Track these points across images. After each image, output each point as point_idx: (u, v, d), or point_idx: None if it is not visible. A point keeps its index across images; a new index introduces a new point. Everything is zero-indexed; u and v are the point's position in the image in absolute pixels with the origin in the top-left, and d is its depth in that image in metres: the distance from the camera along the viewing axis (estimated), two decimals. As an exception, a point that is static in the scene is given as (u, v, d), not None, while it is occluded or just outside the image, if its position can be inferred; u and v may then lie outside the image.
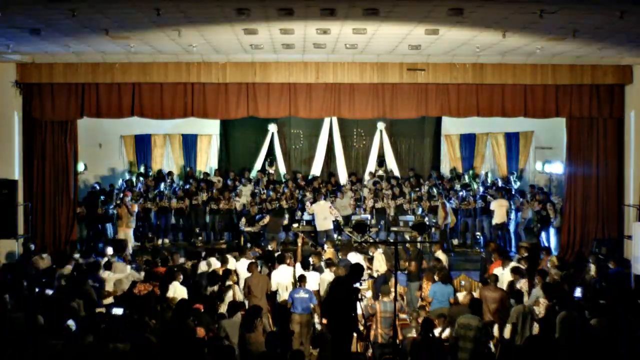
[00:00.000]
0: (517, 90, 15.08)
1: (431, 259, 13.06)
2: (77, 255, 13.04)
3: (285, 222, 16.15)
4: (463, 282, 12.85)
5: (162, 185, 17.64)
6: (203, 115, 15.34)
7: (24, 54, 14.05)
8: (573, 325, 8.89)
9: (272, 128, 19.12)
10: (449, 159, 19.44)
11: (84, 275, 11.08)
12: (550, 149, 17.89)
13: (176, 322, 8.41)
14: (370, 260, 13.33)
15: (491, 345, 9.44)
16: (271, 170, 18.79)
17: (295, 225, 16.15)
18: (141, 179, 17.84)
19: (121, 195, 16.09)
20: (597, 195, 15.39)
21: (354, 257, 12.54)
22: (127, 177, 18.12)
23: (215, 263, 12.17)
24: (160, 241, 16.71)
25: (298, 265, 11.92)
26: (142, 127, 18.30)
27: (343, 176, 19.07)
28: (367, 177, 18.87)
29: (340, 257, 12.76)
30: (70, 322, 8.79)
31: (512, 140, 19.00)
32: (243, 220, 15.98)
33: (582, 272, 12.59)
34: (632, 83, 14.93)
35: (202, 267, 12.21)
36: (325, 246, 13.76)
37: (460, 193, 16.92)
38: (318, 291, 11.29)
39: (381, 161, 19.16)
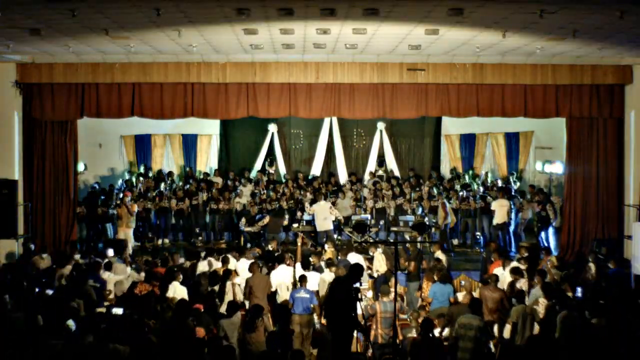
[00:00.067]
0: (517, 90, 15.08)
1: (431, 259, 13.06)
2: (77, 256, 13.03)
3: (285, 222, 16.16)
4: (463, 282, 12.84)
5: (162, 186, 17.66)
6: (203, 115, 15.34)
7: (24, 54, 14.06)
8: (573, 325, 8.89)
9: (272, 128, 19.14)
10: (449, 159, 19.45)
11: (84, 275, 11.08)
12: (550, 149, 17.90)
13: (176, 322, 8.41)
14: (370, 260, 13.33)
15: (491, 345, 9.43)
16: (271, 170, 18.80)
17: (295, 225, 16.15)
18: (141, 179, 17.85)
19: (121, 195, 16.10)
20: (597, 195, 15.39)
21: (354, 257, 12.54)
22: (127, 177, 18.14)
23: (215, 263, 12.17)
24: (160, 241, 16.72)
25: (298, 265, 11.92)
26: (142, 127, 18.31)
27: (343, 176, 19.09)
28: (367, 177, 18.89)
29: (339, 257, 12.75)
30: (70, 322, 8.79)
31: (512, 140, 19.01)
32: (243, 220, 15.99)
33: (582, 272, 12.60)
34: (632, 83, 14.93)
35: (203, 267, 12.21)
36: (326, 246, 13.76)
37: (461, 193, 16.92)
38: (317, 291, 11.28)
39: (381, 161, 19.17)
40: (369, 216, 16.37)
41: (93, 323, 8.28)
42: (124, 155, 19.08)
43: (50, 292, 10.69)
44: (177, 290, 10.53)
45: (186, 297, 10.39)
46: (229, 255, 12.17)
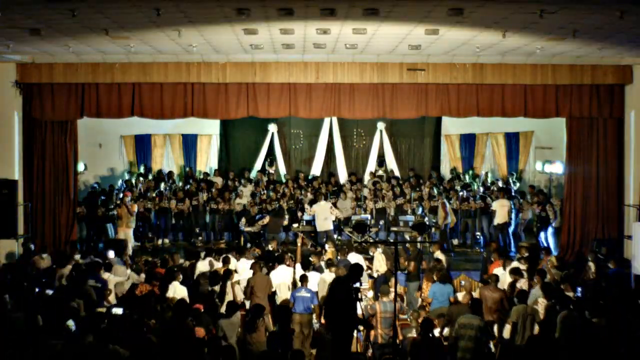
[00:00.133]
0: (517, 90, 15.08)
1: (431, 259, 13.06)
2: (77, 256, 13.03)
3: (285, 222, 16.16)
4: (463, 282, 12.83)
5: (162, 186, 17.65)
6: (203, 115, 15.34)
7: (24, 54, 14.05)
8: (573, 325, 8.89)
9: (272, 128, 19.14)
10: (449, 159, 19.45)
11: (84, 275, 11.08)
12: (550, 149, 17.90)
13: (175, 322, 8.41)
14: (370, 260, 13.33)
15: (491, 345, 9.44)
16: (271, 170, 18.80)
17: (295, 225, 16.15)
18: (141, 179, 17.85)
19: (121, 195, 16.10)
20: (597, 195, 15.39)
21: (354, 257, 12.54)
22: (127, 177, 18.14)
23: (216, 263, 12.17)
24: (160, 241, 16.71)
25: (298, 265, 11.92)
26: (142, 127, 18.32)
27: (343, 176, 19.10)
28: (367, 177, 18.89)
29: (339, 257, 12.75)
30: (70, 322, 8.79)
31: (512, 140, 19.02)
32: (243, 220, 15.98)
33: (582, 272, 12.60)
34: (632, 83, 14.93)
35: (204, 267, 12.20)
36: (327, 246, 13.76)
37: (461, 193, 16.92)
38: (317, 292, 11.28)
39: (381, 161, 19.17)
40: (369, 216, 16.37)
41: (93, 323, 8.27)
42: (124, 155, 19.09)
43: (50, 292, 10.68)
44: (177, 290, 10.53)
45: (186, 297, 10.39)
46: (230, 256, 12.17)
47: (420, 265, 12.58)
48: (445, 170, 19.35)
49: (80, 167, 16.76)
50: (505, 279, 11.46)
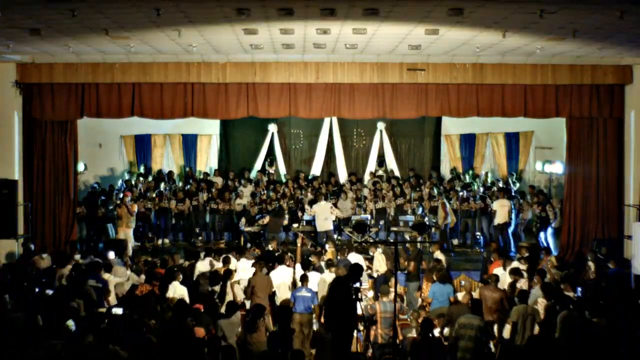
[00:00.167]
0: (517, 90, 15.08)
1: (431, 259, 13.06)
2: (77, 256, 13.04)
3: (285, 222, 16.16)
4: (463, 282, 12.84)
5: (162, 186, 17.65)
6: (203, 115, 15.34)
7: (24, 54, 14.05)
8: (573, 325, 8.90)
9: (272, 128, 19.15)
10: (449, 159, 19.46)
11: (84, 275, 11.08)
12: (550, 149, 17.91)
13: (175, 323, 8.41)
14: (370, 260, 13.33)
15: (491, 345, 9.44)
16: (271, 170, 18.81)
17: (295, 225, 16.15)
18: (141, 179, 17.86)
19: (121, 195, 16.10)
20: (597, 195, 15.38)
21: (354, 257, 12.54)
22: (127, 177, 18.14)
23: (216, 263, 12.17)
24: (160, 241, 16.71)
25: (298, 265, 11.92)
26: (142, 127, 18.33)
27: (343, 176, 19.10)
28: (367, 177, 18.89)
29: (339, 257, 12.75)
30: (70, 322, 8.79)
31: (512, 140, 19.03)
32: (243, 220, 15.99)
33: (582, 272, 12.60)
34: (632, 83, 14.93)
35: (204, 267, 12.20)
36: (327, 246, 13.76)
37: (461, 193, 16.92)
38: (317, 292, 11.28)
39: (381, 161, 19.18)
40: (369, 216, 16.37)
41: (93, 323, 8.27)
42: (124, 155, 19.10)
43: (50, 292, 10.68)
44: (177, 291, 10.53)
45: (186, 297, 10.39)
46: (230, 256, 12.17)
47: (420, 265, 12.58)
48: (445, 170, 19.35)
49: (80, 167, 16.76)
50: (505, 279, 11.46)
